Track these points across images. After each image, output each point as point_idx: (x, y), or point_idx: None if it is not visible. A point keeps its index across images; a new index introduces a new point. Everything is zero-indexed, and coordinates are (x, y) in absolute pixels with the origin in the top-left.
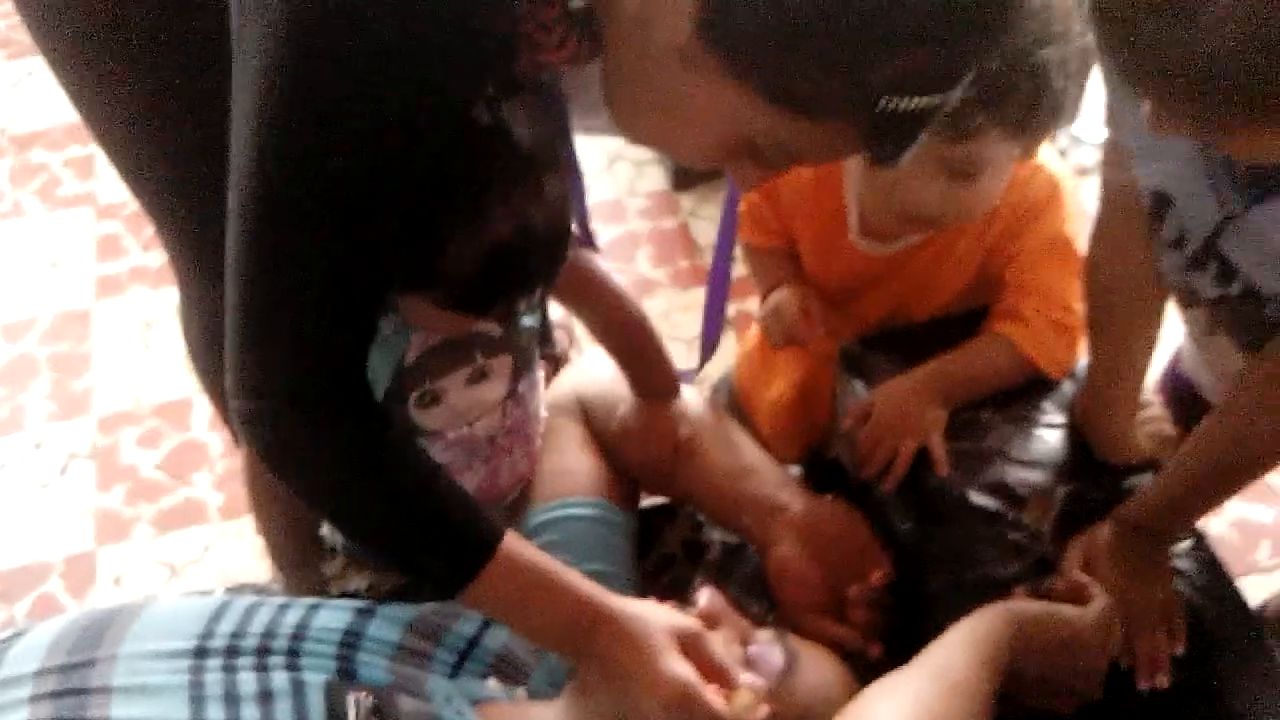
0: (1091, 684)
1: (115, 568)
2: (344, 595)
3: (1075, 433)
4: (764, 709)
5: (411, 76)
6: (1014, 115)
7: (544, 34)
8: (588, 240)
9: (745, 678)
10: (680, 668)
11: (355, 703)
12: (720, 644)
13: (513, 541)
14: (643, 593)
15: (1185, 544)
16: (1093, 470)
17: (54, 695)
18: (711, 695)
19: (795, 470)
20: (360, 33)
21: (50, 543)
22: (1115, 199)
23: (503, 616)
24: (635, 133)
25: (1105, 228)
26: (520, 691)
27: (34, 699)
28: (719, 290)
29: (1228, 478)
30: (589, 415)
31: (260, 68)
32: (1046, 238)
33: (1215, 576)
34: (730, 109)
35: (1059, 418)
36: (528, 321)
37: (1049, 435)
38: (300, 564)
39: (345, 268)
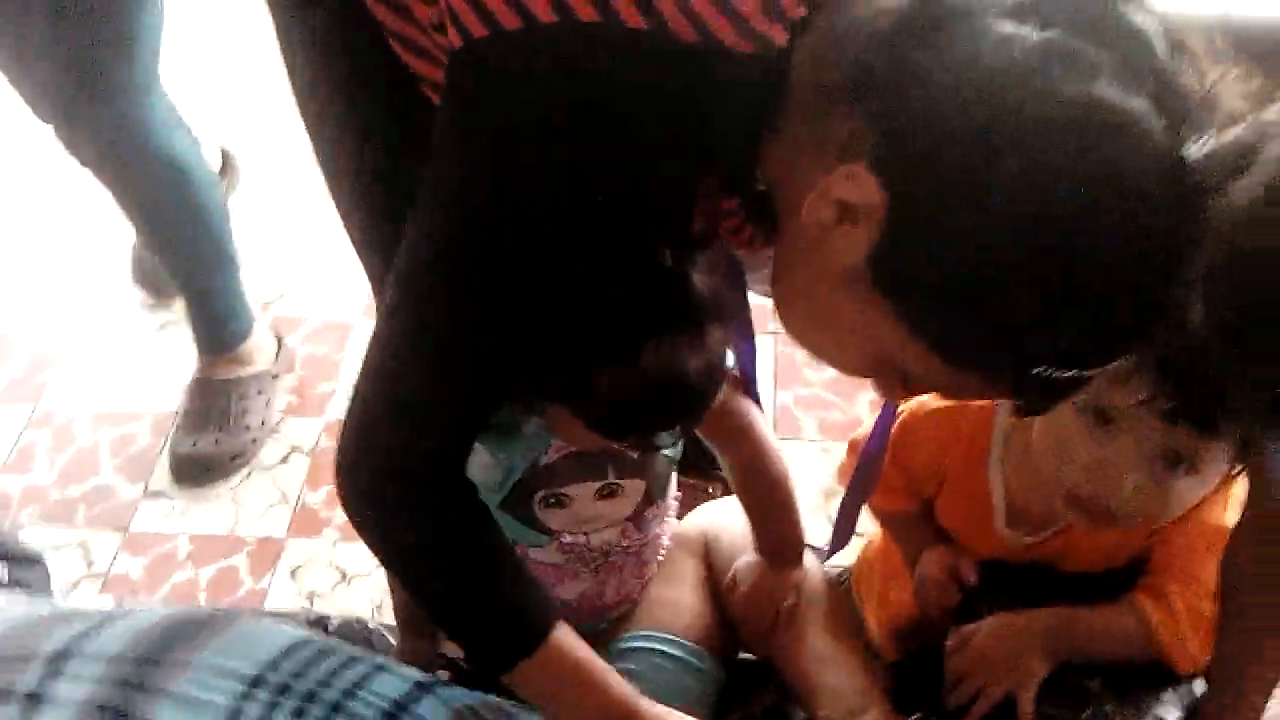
0: None
1: (296, 559)
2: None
3: None
4: None
5: (601, 209)
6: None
7: (723, 218)
8: (750, 392)
9: None
10: None
11: None
12: None
13: (562, 634)
14: None
15: None
16: None
17: (118, 682)
18: None
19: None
20: (556, 157)
21: (249, 522)
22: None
23: (538, 701)
24: (791, 329)
25: (1253, 516)
26: None
27: (100, 680)
28: (861, 486)
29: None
30: (711, 556)
31: (454, 178)
32: (1206, 525)
33: None
34: (884, 339)
35: (1174, 715)
36: (667, 453)
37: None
38: (418, 633)
39: (490, 367)
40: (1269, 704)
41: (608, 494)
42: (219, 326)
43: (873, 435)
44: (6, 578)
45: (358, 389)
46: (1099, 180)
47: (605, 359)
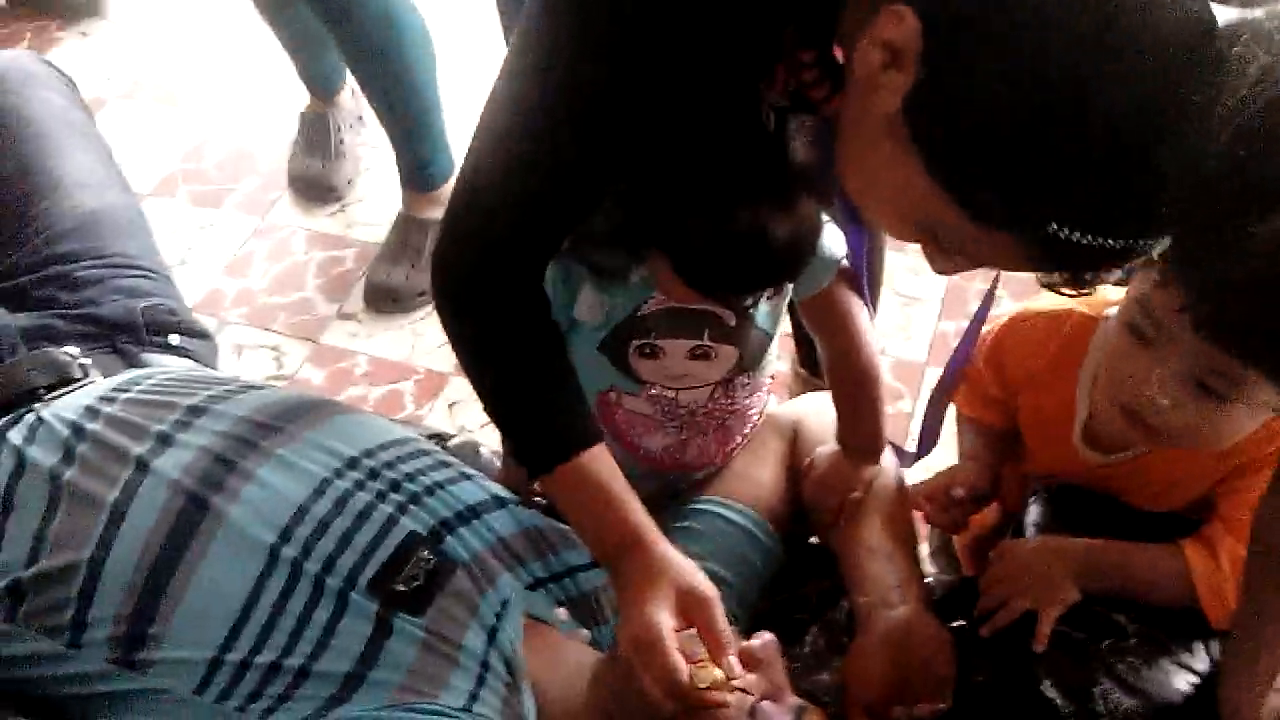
0: None
1: (456, 395)
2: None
3: (1210, 691)
4: (724, 696)
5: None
6: None
7: (803, 71)
8: (857, 286)
9: (733, 661)
10: (659, 613)
11: (418, 559)
12: (724, 621)
13: (598, 454)
14: (758, 619)
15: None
16: None
17: (236, 439)
18: (672, 649)
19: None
20: None
21: (423, 353)
22: None
23: (563, 510)
24: (849, 188)
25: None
26: (585, 633)
27: (223, 435)
28: (947, 386)
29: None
30: (798, 442)
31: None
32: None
33: None
34: (916, 191)
35: (1201, 665)
36: (762, 324)
37: (1175, 675)
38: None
39: (570, 173)
40: None
41: (700, 355)
42: (422, 166)
43: (963, 338)
44: (179, 345)
45: (455, 187)
46: (1123, 34)
47: (697, 207)
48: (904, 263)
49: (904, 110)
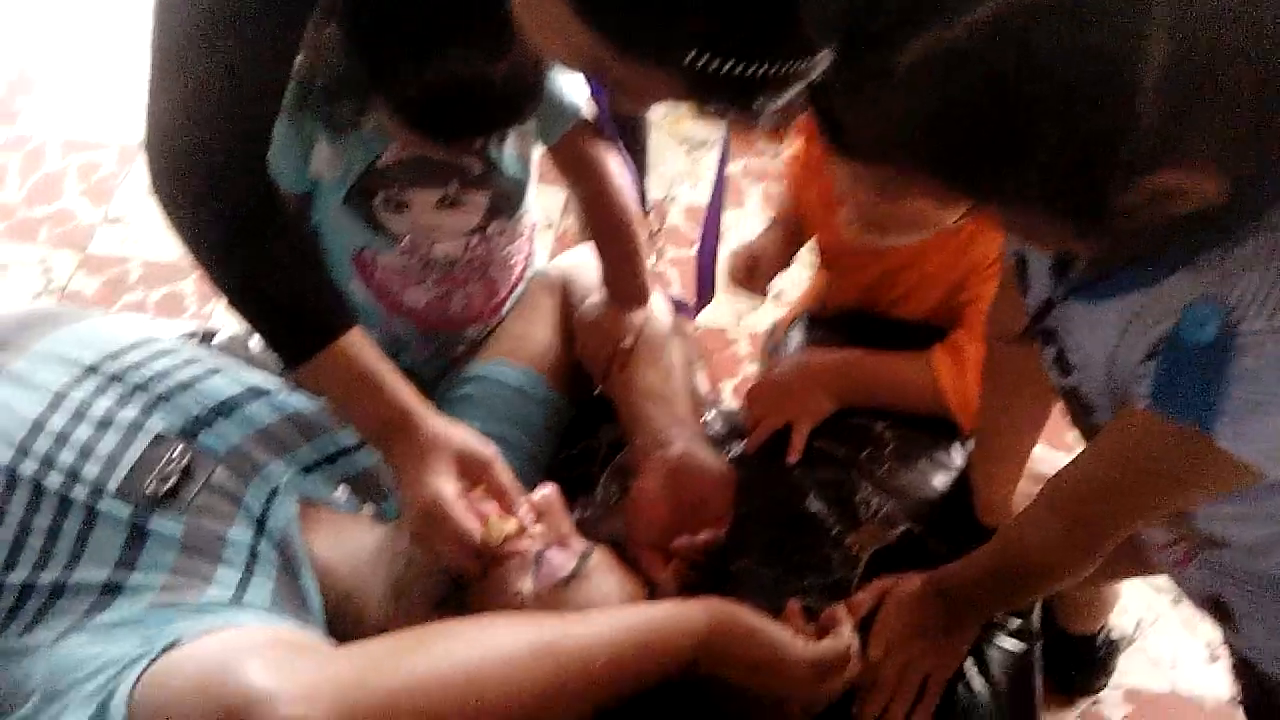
0: (783, 714)
1: None
2: None
3: (965, 486)
4: (520, 543)
5: None
6: None
7: None
8: (608, 134)
9: (522, 512)
10: (441, 483)
11: (170, 456)
12: (508, 476)
13: (357, 338)
14: (551, 475)
15: (1011, 643)
16: (953, 526)
17: None
18: (462, 514)
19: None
20: None
21: None
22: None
23: (331, 400)
24: (525, 35)
25: (1004, 275)
26: (368, 508)
27: None
28: (713, 232)
29: (1012, 580)
30: (568, 297)
31: None
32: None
33: (1018, 691)
34: (572, 31)
35: (959, 461)
36: (510, 170)
37: (931, 474)
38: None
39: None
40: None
41: (449, 204)
42: None
43: (715, 185)
44: None
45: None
46: None
47: (409, 50)
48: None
49: None
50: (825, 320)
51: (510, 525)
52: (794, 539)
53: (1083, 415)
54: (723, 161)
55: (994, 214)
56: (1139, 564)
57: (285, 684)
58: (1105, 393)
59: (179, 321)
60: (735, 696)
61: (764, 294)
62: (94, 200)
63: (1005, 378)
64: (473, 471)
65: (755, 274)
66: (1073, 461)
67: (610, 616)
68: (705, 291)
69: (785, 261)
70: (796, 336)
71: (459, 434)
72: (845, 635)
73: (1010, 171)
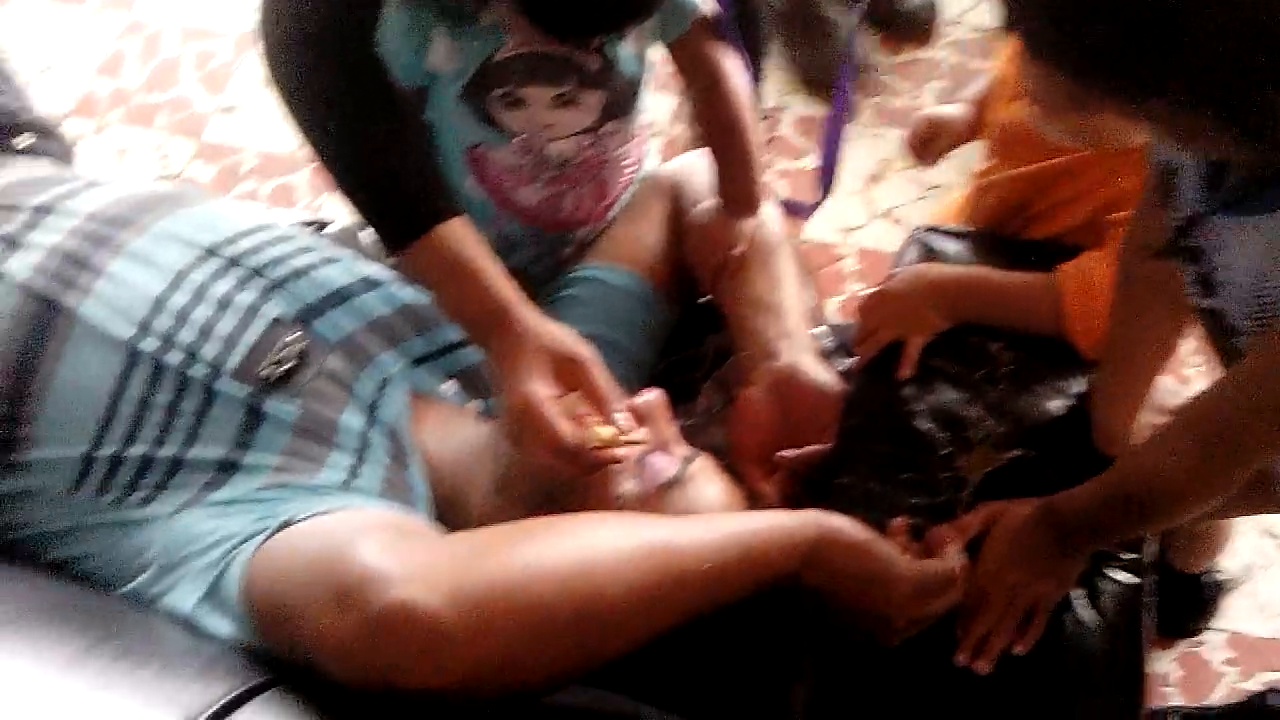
0: (885, 631)
1: None
2: None
3: (1083, 413)
4: (616, 452)
5: None
6: None
7: None
8: (728, 35)
9: (621, 418)
10: (535, 384)
11: (285, 342)
12: (606, 380)
13: (460, 227)
14: (654, 381)
15: (1123, 576)
16: (1068, 454)
17: (86, 236)
18: (554, 417)
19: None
20: None
21: None
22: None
23: (430, 288)
24: None
25: (1146, 188)
26: (476, 404)
27: (73, 231)
28: (839, 122)
29: (1135, 508)
30: (678, 201)
31: None
32: None
33: (1126, 625)
34: None
35: (1077, 388)
36: (627, 69)
37: (1048, 399)
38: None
39: None
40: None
41: (565, 102)
42: None
43: (842, 73)
44: (25, 147)
45: None
46: None
47: None
48: None
49: None
50: (945, 234)
51: (606, 431)
52: (902, 457)
53: (1224, 338)
54: (852, 46)
55: (1155, 116)
56: (1263, 499)
57: (398, 565)
58: (1251, 315)
59: (294, 212)
60: (836, 611)
61: (932, 164)
62: (209, 88)
63: (1137, 300)
64: (569, 373)
65: (932, 144)
66: (1213, 384)
67: (717, 523)
68: (826, 186)
69: (965, 139)
70: (912, 252)
71: (557, 333)
72: (952, 556)
73: (1176, 66)
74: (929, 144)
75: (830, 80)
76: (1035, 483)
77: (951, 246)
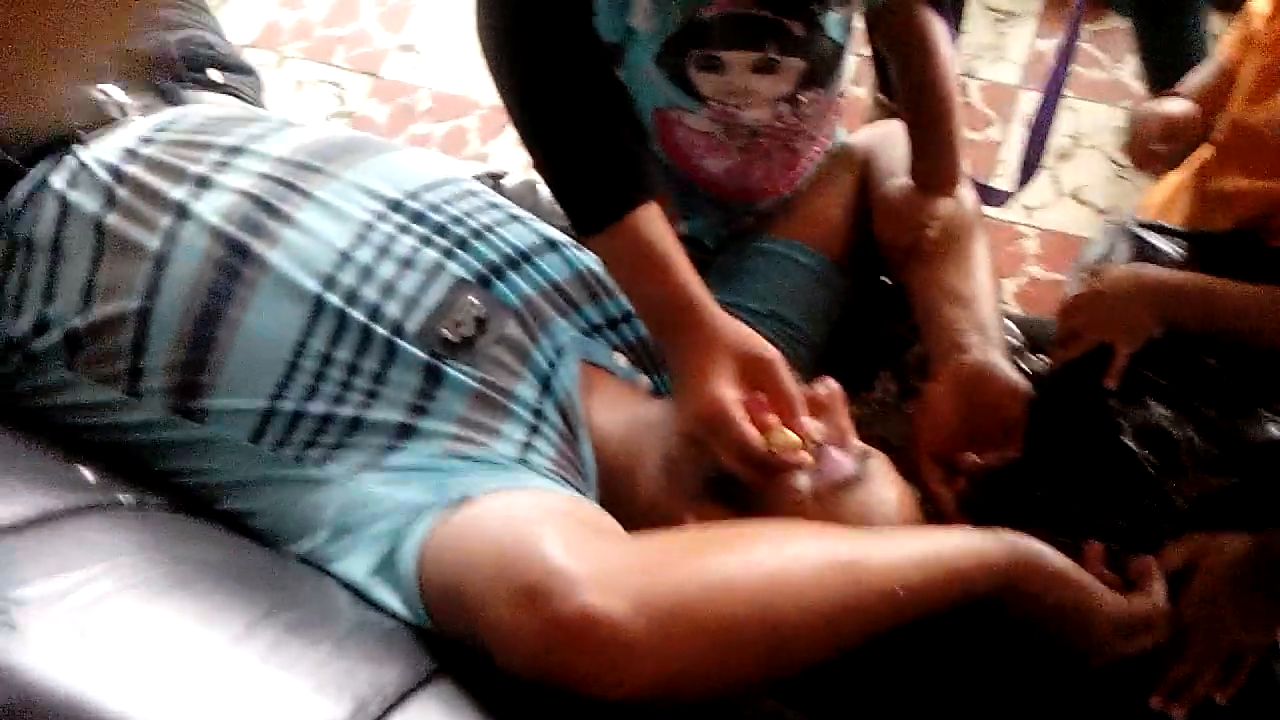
0: (1080, 666)
1: None
2: None
3: None
4: (801, 455)
5: None
6: None
7: None
8: (940, 3)
9: (807, 422)
10: (723, 389)
11: (466, 305)
12: (791, 382)
13: (654, 214)
14: (828, 364)
15: None
16: None
17: (276, 180)
18: (742, 421)
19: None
20: None
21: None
22: None
23: (615, 276)
24: None
25: None
26: (644, 379)
27: (263, 176)
28: (1052, 108)
29: None
30: (869, 175)
31: None
32: None
33: None
34: None
35: None
36: (832, 34)
37: (1269, 423)
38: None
39: None
40: None
41: (764, 68)
42: None
43: (1059, 56)
44: (222, 82)
45: None
46: None
47: None
48: None
49: None
50: (1160, 231)
51: (792, 436)
52: (1103, 475)
53: None
54: (1076, 24)
55: None
56: None
57: (585, 567)
58: None
59: (471, 163)
60: (1031, 639)
61: (1161, 175)
62: (388, 26)
63: None
64: (754, 374)
65: (1163, 146)
66: None
67: (909, 542)
68: (1028, 175)
69: (1198, 143)
70: (1122, 248)
71: (743, 334)
72: (1158, 591)
73: None
74: (1152, 151)
75: None
76: (1248, 514)
77: (1168, 247)
